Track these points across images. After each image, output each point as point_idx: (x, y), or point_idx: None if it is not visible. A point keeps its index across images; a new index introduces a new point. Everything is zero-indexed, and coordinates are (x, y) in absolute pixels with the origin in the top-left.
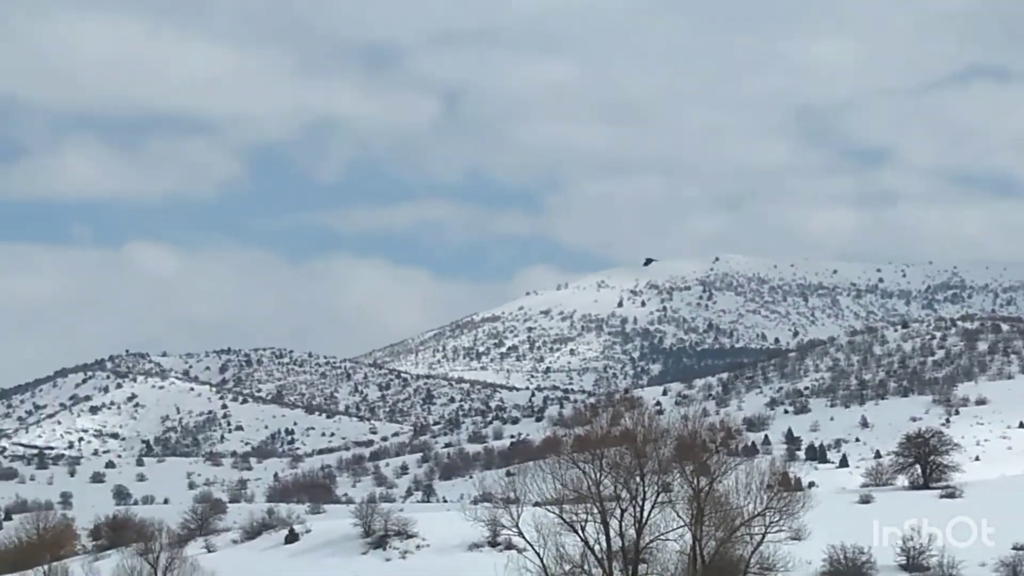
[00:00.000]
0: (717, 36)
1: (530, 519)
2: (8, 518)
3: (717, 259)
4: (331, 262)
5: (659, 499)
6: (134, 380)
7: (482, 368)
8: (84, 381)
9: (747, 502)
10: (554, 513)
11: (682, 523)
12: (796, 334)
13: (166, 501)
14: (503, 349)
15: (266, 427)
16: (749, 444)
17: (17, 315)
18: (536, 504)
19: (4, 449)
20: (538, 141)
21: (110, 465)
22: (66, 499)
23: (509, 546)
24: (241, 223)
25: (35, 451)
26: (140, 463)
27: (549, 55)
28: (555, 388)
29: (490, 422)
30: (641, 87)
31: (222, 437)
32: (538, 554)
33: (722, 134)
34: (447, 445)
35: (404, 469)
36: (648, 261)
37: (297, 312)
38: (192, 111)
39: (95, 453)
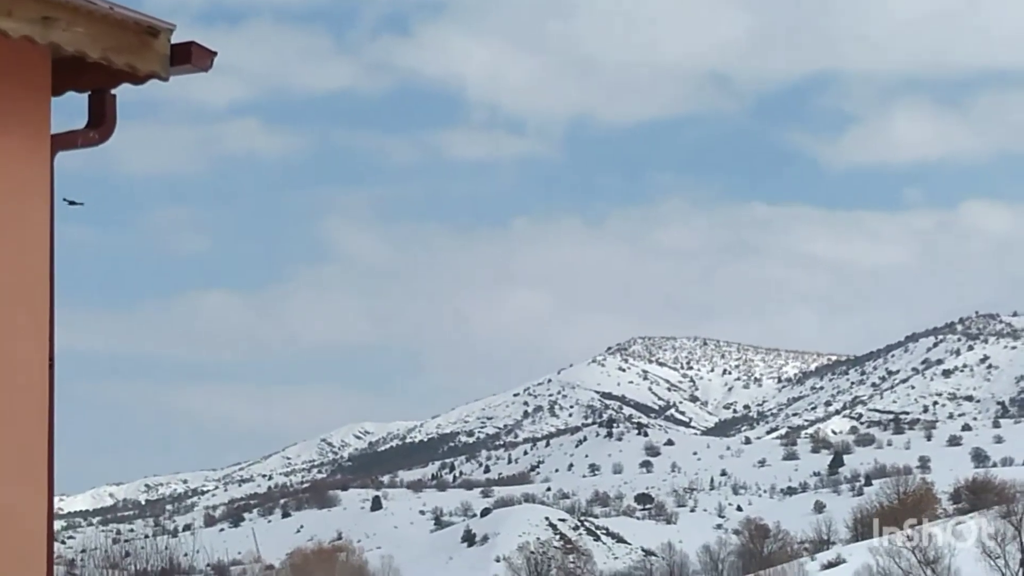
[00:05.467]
0: None
1: None
2: (869, 483)
3: None
4: None
5: None
6: (985, 341)
7: None
8: (935, 345)
9: None
10: None
11: None
12: None
13: None
14: None
15: None
16: None
17: (863, 282)
18: None
19: (861, 416)
20: None
21: (966, 428)
22: (924, 463)
23: None
24: None
25: (891, 416)
26: (996, 425)
27: None
28: None
29: None
30: None
31: None
32: None
33: None
34: None
35: None
36: None
37: None
38: (1017, 65)
39: (950, 416)
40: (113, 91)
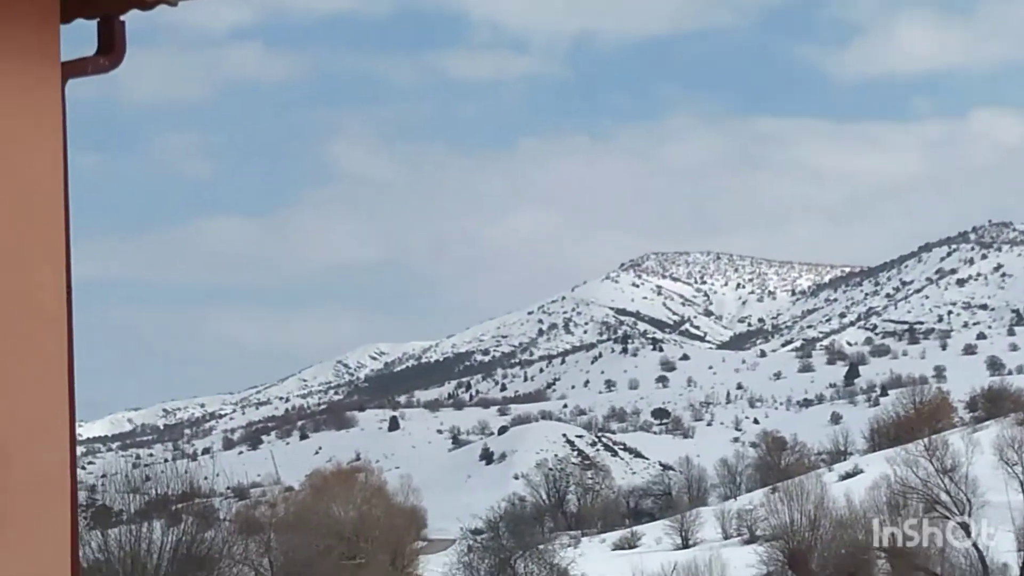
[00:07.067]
0: None
1: None
2: (884, 394)
3: None
4: None
5: None
6: (999, 250)
7: None
8: (948, 254)
9: None
10: None
11: None
12: None
13: None
14: None
15: None
16: None
17: (874, 193)
18: None
19: (875, 327)
20: None
21: (980, 337)
22: (939, 372)
23: None
24: None
25: (905, 327)
26: (1011, 333)
27: None
28: None
29: None
30: None
31: None
32: None
33: None
34: None
35: None
36: None
37: None
38: None
39: (964, 325)
40: (122, 17)
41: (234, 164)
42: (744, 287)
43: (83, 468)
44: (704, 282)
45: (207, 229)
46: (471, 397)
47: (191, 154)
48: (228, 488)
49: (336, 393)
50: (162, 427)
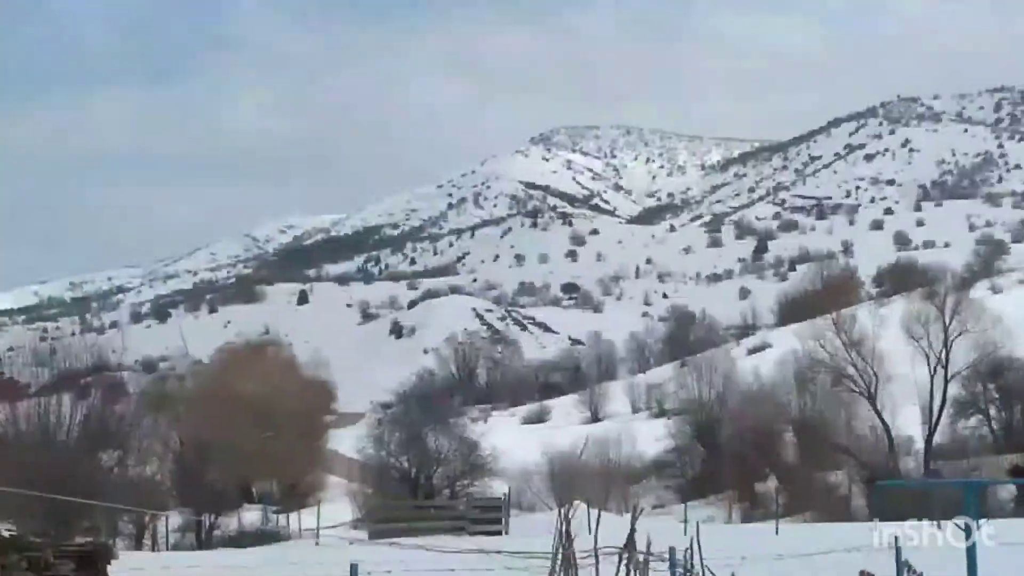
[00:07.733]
0: None
1: None
2: (793, 268)
3: None
4: None
5: None
6: (906, 125)
7: None
8: (857, 129)
9: None
10: None
11: None
12: None
13: (947, 245)
14: None
15: None
16: None
17: (784, 67)
18: None
19: (784, 201)
20: None
21: (888, 212)
22: (847, 247)
23: None
24: None
25: (814, 202)
26: (918, 208)
27: None
28: None
29: None
30: None
31: (1000, 178)
32: None
33: None
34: None
35: None
36: None
37: None
38: None
39: (872, 201)
40: None
41: (138, 30)
42: (654, 161)
43: None
44: (614, 156)
45: (110, 97)
46: (380, 271)
47: (93, 19)
48: (136, 362)
49: (245, 267)
50: (69, 300)
